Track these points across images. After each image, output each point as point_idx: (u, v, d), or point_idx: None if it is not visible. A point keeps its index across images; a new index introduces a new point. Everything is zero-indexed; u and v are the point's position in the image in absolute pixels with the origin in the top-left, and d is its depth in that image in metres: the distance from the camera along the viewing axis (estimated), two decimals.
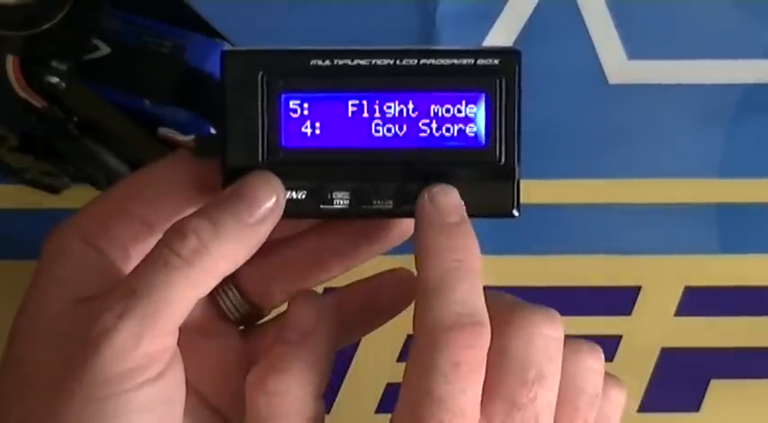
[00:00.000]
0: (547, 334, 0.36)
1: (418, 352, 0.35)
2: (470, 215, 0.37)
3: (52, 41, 0.41)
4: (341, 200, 0.37)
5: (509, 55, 0.37)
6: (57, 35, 0.41)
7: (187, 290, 0.35)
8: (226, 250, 0.35)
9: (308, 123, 0.37)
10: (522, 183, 0.37)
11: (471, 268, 0.36)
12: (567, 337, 0.37)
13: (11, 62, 0.41)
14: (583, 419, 0.37)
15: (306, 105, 0.37)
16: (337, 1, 0.53)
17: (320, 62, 0.37)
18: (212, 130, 0.45)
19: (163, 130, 0.39)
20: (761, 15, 0.54)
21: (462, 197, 0.37)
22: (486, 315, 0.35)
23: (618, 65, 0.54)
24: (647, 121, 0.53)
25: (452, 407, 0.34)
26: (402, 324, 0.40)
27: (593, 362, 0.37)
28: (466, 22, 0.53)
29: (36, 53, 0.41)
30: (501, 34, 0.53)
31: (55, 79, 0.41)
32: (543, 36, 0.53)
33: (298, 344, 0.37)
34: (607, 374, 0.38)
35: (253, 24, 0.52)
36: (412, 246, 0.37)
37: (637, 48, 0.54)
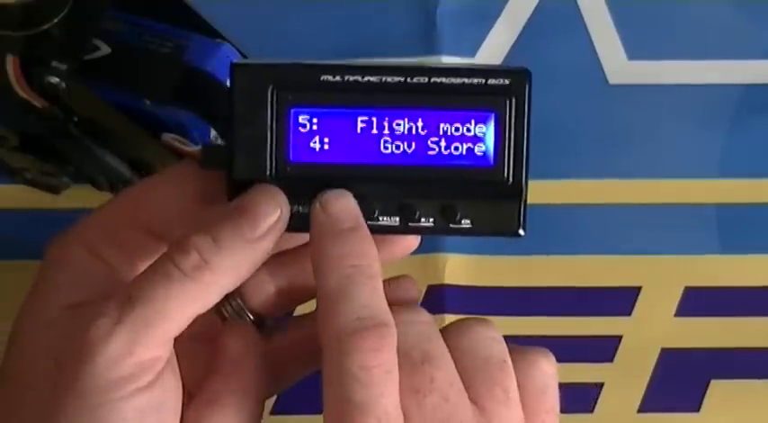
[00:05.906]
0: (409, 320, 0.36)
1: (329, 360, 0.35)
2: (476, 234, 0.37)
3: (52, 41, 0.41)
4: None
5: (519, 75, 0.36)
6: (57, 35, 0.41)
7: (186, 303, 0.35)
8: (228, 266, 0.35)
9: (317, 138, 0.36)
10: None
11: (369, 273, 0.35)
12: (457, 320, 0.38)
13: (11, 62, 0.41)
14: (501, 388, 0.36)
15: (315, 120, 0.36)
16: (338, 1, 0.53)
17: (330, 77, 0.36)
18: (212, 130, 0.45)
19: (168, 137, 0.38)
20: (760, 16, 0.54)
21: (468, 216, 0.37)
22: (390, 315, 0.35)
23: (618, 65, 0.54)
24: (646, 121, 0.53)
25: (375, 410, 0.34)
26: None
27: (486, 331, 0.37)
28: (466, 22, 0.53)
29: (36, 53, 0.41)
30: (501, 34, 0.53)
31: (55, 79, 0.41)
32: (543, 36, 0.53)
33: (227, 375, 0.37)
34: (532, 347, 0.38)
35: (253, 25, 0.52)
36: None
37: (637, 48, 0.54)
